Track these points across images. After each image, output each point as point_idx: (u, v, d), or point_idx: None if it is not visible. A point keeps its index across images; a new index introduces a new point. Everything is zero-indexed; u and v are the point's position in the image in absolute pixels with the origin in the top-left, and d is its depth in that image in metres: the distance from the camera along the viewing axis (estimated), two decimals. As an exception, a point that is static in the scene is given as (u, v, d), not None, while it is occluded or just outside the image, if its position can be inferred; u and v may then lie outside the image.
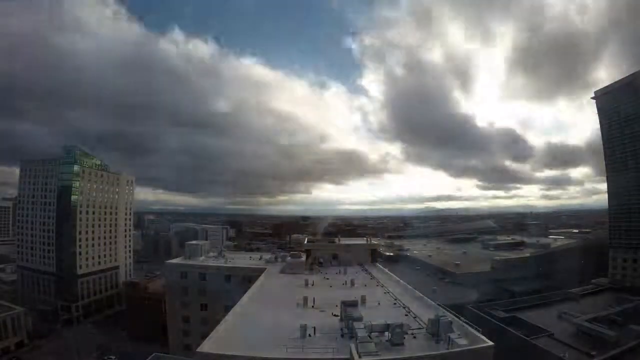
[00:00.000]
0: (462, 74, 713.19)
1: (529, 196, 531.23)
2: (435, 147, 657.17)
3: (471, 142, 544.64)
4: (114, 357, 74.56)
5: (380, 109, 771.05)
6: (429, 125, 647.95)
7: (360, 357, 19.92)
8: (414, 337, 24.42)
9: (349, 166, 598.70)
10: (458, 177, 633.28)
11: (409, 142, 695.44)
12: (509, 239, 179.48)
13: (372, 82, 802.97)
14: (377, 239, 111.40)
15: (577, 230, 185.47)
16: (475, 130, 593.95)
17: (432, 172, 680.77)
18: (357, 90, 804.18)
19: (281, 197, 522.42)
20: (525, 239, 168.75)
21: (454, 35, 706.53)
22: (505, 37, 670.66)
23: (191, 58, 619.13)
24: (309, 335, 25.54)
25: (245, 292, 38.83)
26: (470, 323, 25.36)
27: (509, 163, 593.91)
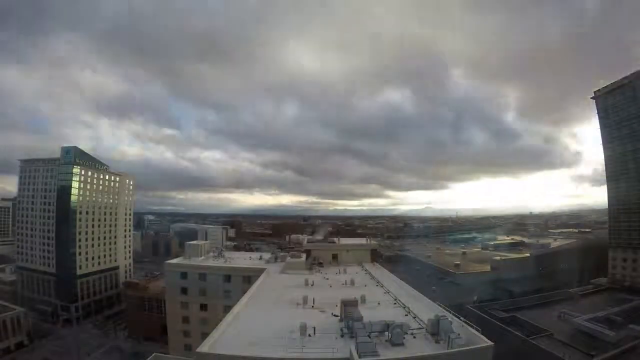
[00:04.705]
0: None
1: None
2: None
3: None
4: None
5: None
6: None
7: (360, 357, 19.87)
8: (414, 337, 24.38)
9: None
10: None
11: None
12: (508, 239, 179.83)
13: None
14: (377, 239, 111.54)
15: (577, 230, 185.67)
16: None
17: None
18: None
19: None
20: (525, 239, 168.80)
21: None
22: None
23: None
24: (309, 335, 25.46)
25: (245, 292, 38.83)
26: (470, 323, 25.31)
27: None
